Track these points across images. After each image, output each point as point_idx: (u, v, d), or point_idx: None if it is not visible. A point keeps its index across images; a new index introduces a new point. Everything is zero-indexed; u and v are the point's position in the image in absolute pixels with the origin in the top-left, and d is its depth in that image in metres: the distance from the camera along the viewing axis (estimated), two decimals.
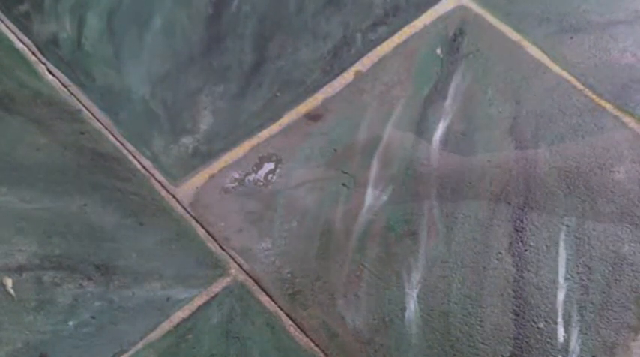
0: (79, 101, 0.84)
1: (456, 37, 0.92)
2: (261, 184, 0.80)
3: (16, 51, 0.87)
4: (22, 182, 0.77)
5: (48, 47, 0.87)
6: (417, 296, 0.74)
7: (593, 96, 0.88)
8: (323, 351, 0.71)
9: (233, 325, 0.72)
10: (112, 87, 0.85)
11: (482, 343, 0.72)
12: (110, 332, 0.70)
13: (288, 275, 0.75)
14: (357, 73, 0.89)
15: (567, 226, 0.78)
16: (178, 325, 0.71)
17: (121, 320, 0.71)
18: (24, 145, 0.80)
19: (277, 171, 0.80)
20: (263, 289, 0.74)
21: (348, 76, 0.89)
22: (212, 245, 0.76)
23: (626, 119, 0.86)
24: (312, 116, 0.86)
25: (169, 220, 0.77)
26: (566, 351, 0.71)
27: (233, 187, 0.80)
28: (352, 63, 0.90)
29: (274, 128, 0.84)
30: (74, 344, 0.69)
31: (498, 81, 0.89)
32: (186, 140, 0.83)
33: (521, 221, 0.78)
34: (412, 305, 0.73)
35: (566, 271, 0.75)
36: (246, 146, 0.83)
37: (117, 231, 0.76)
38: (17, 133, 0.80)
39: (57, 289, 0.71)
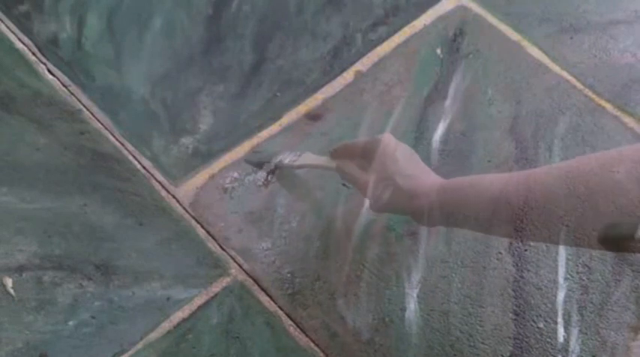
0: (79, 101, 0.84)
1: (456, 37, 0.92)
2: (261, 184, 0.80)
3: (16, 51, 0.87)
4: (22, 182, 0.77)
5: (48, 47, 0.87)
6: (417, 296, 0.74)
7: (593, 96, 0.88)
8: (323, 351, 0.71)
9: (233, 325, 0.72)
10: (112, 87, 0.85)
11: (482, 343, 0.72)
12: (110, 332, 0.70)
13: (288, 275, 0.75)
14: (357, 73, 0.89)
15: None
16: (178, 325, 0.71)
17: (121, 320, 0.71)
18: (24, 145, 0.80)
19: (277, 171, 0.80)
20: (263, 289, 0.74)
21: (348, 76, 0.89)
22: (212, 245, 0.76)
23: (626, 119, 0.86)
24: (312, 116, 0.85)
25: (169, 220, 0.77)
26: (566, 351, 0.71)
27: (233, 187, 0.80)
28: (352, 63, 0.90)
29: (274, 128, 0.84)
30: (74, 344, 0.69)
31: (498, 81, 0.89)
32: (186, 140, 0.83)
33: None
34: (412, 305, 0.73)
35: (566, 271, 0.75)
36: (246, 146, 0.83)
37: (117, 231, 0.76)
38: (17, 133, 0.80)
39: (57, 289, 0.71)
